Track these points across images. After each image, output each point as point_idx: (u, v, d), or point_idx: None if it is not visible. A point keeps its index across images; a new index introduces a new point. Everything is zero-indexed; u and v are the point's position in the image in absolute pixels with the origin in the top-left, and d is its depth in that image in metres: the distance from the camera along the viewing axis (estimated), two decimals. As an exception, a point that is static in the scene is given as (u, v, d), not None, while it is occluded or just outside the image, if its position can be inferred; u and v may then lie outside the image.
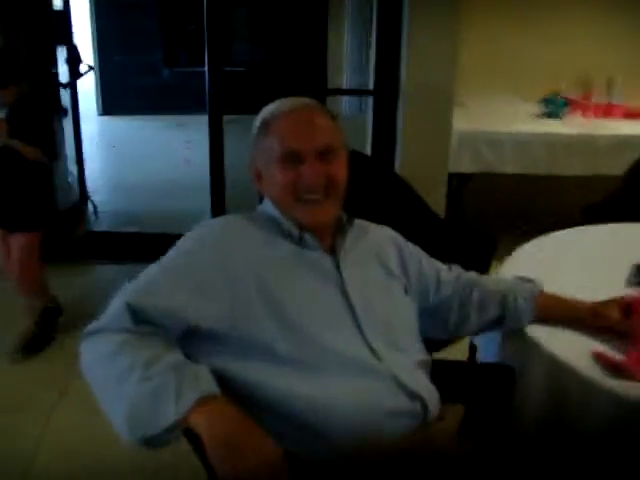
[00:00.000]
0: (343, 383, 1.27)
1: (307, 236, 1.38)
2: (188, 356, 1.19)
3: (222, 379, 1.17)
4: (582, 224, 2.84)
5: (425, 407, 1.33)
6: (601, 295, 1.69)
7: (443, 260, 1.66)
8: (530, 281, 1.63)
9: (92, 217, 4.40)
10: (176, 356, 1.16)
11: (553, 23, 4.13)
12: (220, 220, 1.44)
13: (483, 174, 3.81)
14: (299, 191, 1.35)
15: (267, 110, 1.42)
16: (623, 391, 1.35)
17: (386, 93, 3.57)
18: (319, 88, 5.89)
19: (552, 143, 3.71)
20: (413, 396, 1.32)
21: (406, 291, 1.50)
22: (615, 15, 4.10)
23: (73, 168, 4.26)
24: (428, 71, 3.44)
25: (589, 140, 3.70)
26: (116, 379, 1.11)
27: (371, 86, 3.64)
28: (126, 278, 1.30)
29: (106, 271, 3.87)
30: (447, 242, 2.51)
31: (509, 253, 2.03)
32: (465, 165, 3.75)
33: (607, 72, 4.04)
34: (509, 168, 3.75)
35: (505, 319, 1.58)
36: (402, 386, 1.31)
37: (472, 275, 1.63)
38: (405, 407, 1.31)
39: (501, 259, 2.03)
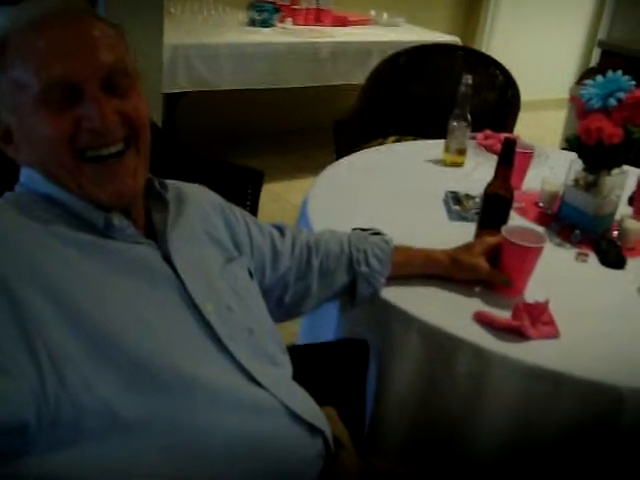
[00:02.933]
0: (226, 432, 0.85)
1: (116, 220, 0.88)
2: None
3: None
4: (335, 139, 2.64)
5: (325, 439, 0.96)
6: (430, 233, 1.47)
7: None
8: (377, 234, 1.31)
9: None
10: None
11: None
12: None
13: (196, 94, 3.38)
14: (82, 146, 0.85)
15: None
16: (518, 356, 1.12)
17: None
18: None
19: (271, 53, 3.41)
20: (313, 430, 0.94)
21: (251, 274, 1.08)
22: None
23: None
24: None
25: (309, 49, 3.47)
26: None
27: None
28: None
29: None
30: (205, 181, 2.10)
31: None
32: (180, 84, 3.27)
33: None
34: (227, 84, 3.37)
35: (357, 286, 1.25)
36: (298, 419, 0.93)
37: (309, 237, 1.26)
38: (310, 448, 0.94)
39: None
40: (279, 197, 3.42)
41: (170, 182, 1.03)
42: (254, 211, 2.15)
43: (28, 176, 0.91)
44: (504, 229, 1.28)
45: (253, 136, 4.03)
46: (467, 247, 1.31)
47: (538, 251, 1.25)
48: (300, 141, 4.07)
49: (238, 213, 1.15)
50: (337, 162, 1.90)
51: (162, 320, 0.87)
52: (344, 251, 1.25)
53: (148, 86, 2.94)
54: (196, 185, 1.12)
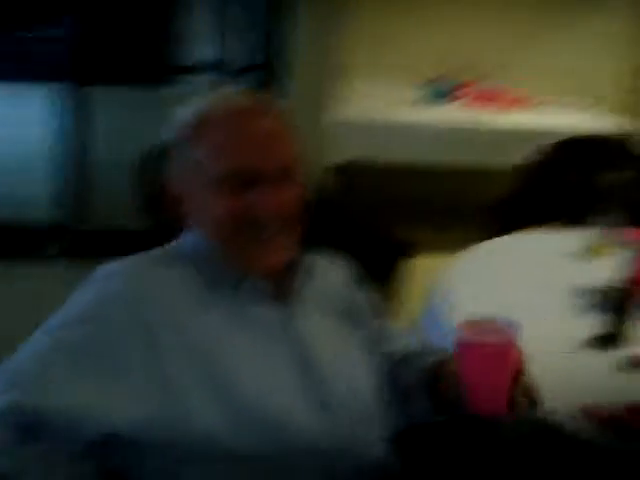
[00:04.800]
0: None
1: (251, 284, 1.03)
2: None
3: None
4: (490, 222, 2.68)
5: None
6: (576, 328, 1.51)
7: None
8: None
9: None
10: None
11: (439, 6, 3.91)
12: (122, 268, 1.03)
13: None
14: (248, 226, 1.00)
15: (193, 109, 1.05)
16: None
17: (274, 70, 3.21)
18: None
19: (437, 132, 3.52)
20: None
21: (366, 348, 1.17)
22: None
23: None
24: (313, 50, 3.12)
25: (477, 130, 3.54)
26: None
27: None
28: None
29: None
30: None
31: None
32: (347, 155, 3.47)
33: (492, 58, 3.88)
34: (394, 158, 3.51)
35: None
36: None
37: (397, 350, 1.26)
38: None
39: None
40: (426, 271, 3.45)
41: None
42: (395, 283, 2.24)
43: (190, 237, 1.08)
44: (461, 323, 0.96)
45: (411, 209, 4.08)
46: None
47: (500, 348, 0.90)
48: (455, 219, 4.08)
49: (365, 296, 1.23)
50: (476, 246, 1.96)
51: (276, 378, 0.99)
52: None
53: (316, 157, 3.20)
54: (331, 257, 1.22)
